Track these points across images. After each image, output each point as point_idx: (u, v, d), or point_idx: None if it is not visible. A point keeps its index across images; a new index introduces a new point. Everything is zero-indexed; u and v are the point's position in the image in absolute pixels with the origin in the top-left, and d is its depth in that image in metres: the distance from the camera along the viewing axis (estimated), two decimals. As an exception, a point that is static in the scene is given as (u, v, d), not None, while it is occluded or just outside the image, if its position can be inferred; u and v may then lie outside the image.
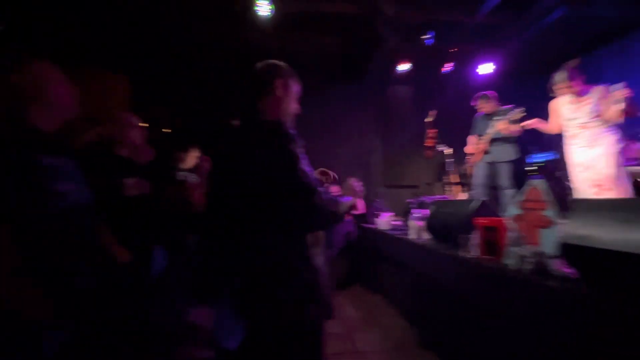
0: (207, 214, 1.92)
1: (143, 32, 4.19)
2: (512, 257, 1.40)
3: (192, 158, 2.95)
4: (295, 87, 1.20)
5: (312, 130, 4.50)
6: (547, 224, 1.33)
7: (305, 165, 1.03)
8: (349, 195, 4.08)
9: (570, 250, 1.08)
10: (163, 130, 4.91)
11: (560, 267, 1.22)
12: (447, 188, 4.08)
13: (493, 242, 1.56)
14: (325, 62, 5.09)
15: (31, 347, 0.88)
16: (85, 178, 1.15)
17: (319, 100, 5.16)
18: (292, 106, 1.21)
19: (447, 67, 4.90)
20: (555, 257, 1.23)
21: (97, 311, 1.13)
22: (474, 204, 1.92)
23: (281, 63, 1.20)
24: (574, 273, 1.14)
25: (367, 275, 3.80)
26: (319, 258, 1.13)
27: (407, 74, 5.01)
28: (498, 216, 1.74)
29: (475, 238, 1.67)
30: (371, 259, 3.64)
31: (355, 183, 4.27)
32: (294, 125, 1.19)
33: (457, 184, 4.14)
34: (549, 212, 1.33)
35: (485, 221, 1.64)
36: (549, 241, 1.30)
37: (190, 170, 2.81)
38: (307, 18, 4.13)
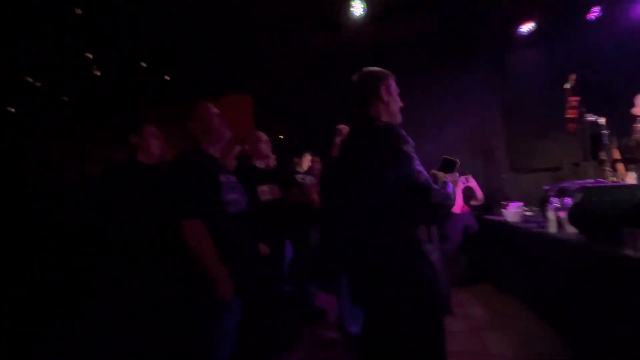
0: (325, 210, 2.14)
1: (257, 54, 4.88)
2: None
3: (306, 161, 3.31)
4: (395, 87, 1.26)
5: (424, 117, 4.28)
6: None
7: (418, 164, 1.07)
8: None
9: None
10: (279, 136, 5.62)
11: None
12: (606, 168, 3.22)
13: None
14: (429, 43, 4.75)
15: (216, 323, 1.21)
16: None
17: (428, 85, 4.81)
18: (397, 105, 1.26)
19: (593, 12, 3.85)
20: None
21: (252, 293, 1.45)
22: (646, 189, 1.50)
23: (377, 68, 1.27)
24: None
25: (495, 273, 3.41)
26: (434, 253, 1.14)
27: (532, 34, 4.18)
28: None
29: (649, 233, 1.31)
30: (498, 255, 3.25)
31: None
32: (402, 123, 1.25)
33: (621, 161, 3.22)
34: None
35: (664, 211, 1.27)
36: None
37: (305, 173, 3.16)
38: (399, 3, 3.97)
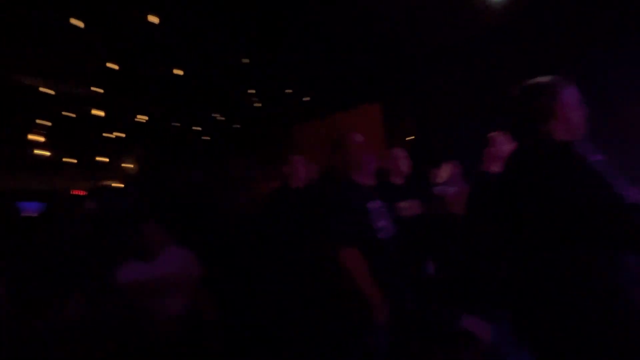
0: (480, 229, 1.96)
1: (385, 61, 4.89)
2: None
3: (445, 171, 3.09)
4: (574, 95, 1.05)
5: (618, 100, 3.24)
6: None
7: (610, 181, 0.88)
8: None
9: None
10: (406, 139, 5.44)
11: None
12: None
13: None
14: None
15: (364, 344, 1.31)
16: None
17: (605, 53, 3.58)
18: (579, 117, 1.05)
19: None
20: None
21: (404, 315, 1.49)
22: None
23: (547, 79, 1.08)
24: None
25: None
26: (634, 291, 0.90)
27: None
28: None
29: None
30: None
31: None
32: (585, 136, 1.04)
33: None
34: None
35: None
36: None
37: (445, 183, 2.95)
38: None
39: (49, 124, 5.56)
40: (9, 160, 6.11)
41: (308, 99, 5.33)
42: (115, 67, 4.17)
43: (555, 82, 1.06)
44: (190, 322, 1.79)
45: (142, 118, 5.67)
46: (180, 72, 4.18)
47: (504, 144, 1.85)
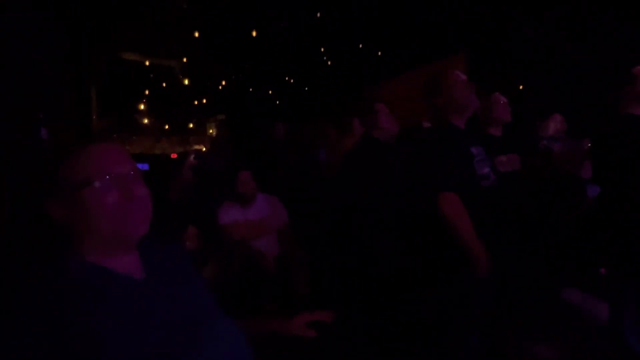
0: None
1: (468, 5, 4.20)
2: None
3: (553, 124, 2.66)
4: None
5: None
6: None
7: None
8: None
9: None
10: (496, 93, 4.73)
11: None
12: None
13: None
14: None
15: None
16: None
17: None
18: None
19: None
20: None
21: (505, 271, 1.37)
22: None
23: None
24: None
25: None
26: None
27: None
28: None
29: None
30: None
31: None
32: None
33: None
34: None
35: None
36: None
37: (552, 138, 2.54)
38: None
39: (147, 92, 6.35)
40: (120, 128, 7.26)
41: (380, 53, 4.97)
42: (196, 34, 4.44)
43: None
44: (283, 262, 1.94)
45: (222, 84, 6.06)
46: (253, 33, 4.25)
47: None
